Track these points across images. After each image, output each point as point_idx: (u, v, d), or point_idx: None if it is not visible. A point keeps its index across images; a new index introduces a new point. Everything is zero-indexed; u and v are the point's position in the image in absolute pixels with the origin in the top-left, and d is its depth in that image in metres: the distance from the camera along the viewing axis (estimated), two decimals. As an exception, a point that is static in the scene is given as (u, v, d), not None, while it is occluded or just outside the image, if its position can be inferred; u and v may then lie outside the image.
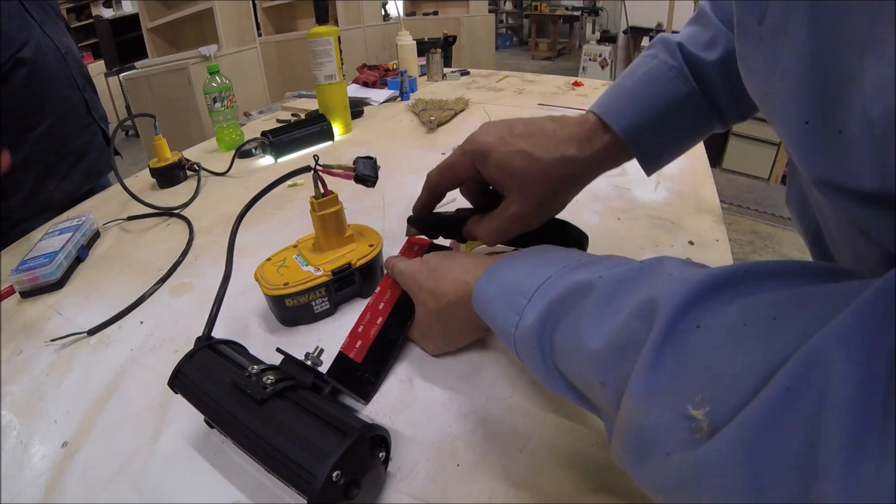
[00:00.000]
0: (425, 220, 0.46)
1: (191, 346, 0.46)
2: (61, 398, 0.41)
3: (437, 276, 0.38)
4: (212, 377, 0.35)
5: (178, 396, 0.40)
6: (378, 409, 0.38)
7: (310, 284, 0.45)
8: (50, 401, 0.41)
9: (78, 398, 0.41)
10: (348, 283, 0.48)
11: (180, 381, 0.35)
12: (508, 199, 0.38)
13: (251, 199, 0.47)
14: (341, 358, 0.41)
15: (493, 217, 0.40)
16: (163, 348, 0.46)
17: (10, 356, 0.47)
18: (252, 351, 0.40)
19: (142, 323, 0.50)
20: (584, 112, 0.39)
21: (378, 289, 0.44)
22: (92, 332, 0.49)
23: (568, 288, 0.27)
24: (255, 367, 0.34)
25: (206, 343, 0.38)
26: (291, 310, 0.46)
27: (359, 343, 0.42)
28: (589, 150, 0.37)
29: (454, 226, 0.44)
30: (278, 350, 0.38)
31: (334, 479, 0.26)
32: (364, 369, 0.40)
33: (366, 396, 0.39)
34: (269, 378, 0.33)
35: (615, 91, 0.39)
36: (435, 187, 0.43)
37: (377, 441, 0.31)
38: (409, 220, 0.46)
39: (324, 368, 0.39)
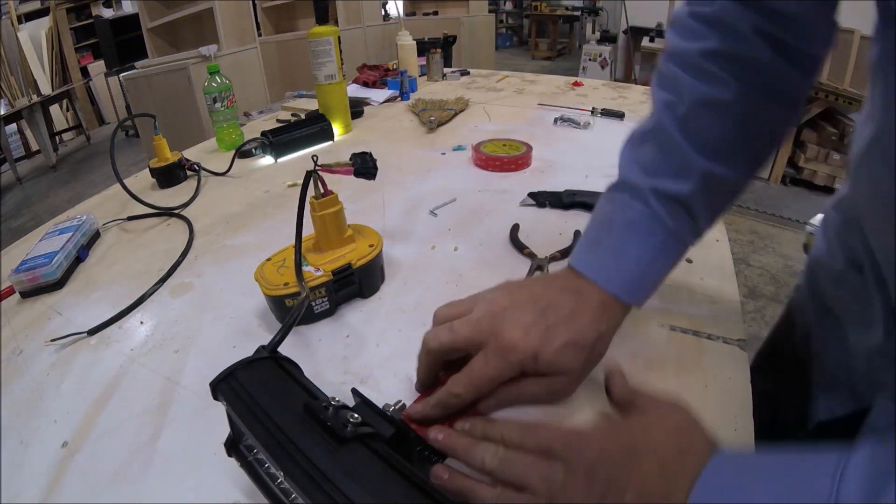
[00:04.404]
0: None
1: (192, 347, 0.46)
2: (61, 398, 0.41)
3: (612, 488, 0.25)
4: (274, 395, 0.29)
5: (179, 396, 0.41)
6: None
7: (310, 285, 0.45)
8: (50, 401, 0.41)
9: (78, 398, 0.41)
10: (348, 283, 0.48)
11: (229, 386, 0.29)
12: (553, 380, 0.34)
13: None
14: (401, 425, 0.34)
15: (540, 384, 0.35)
16: (163, 348, 0.46)
17: (10, 356, 0.47)
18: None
19: (142, 323, 0.50)
20: (570, 269, 0.38)
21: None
22: (92, 332, 0.49)
23: None
24: (336, 398, 0.28)
25: (272, 354, 0.32)
26: (291, 310, 0.46)
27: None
28: (611, 321, 0.36)
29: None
30: (354, 391, 0.32)
31: None
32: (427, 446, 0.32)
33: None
34: (353, 417, 0.27)
35: (603, 250, 0.37)
36: (439, 359, 0.36)
37: None
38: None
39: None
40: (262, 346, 0.33)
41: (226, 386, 0.29)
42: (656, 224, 0.36)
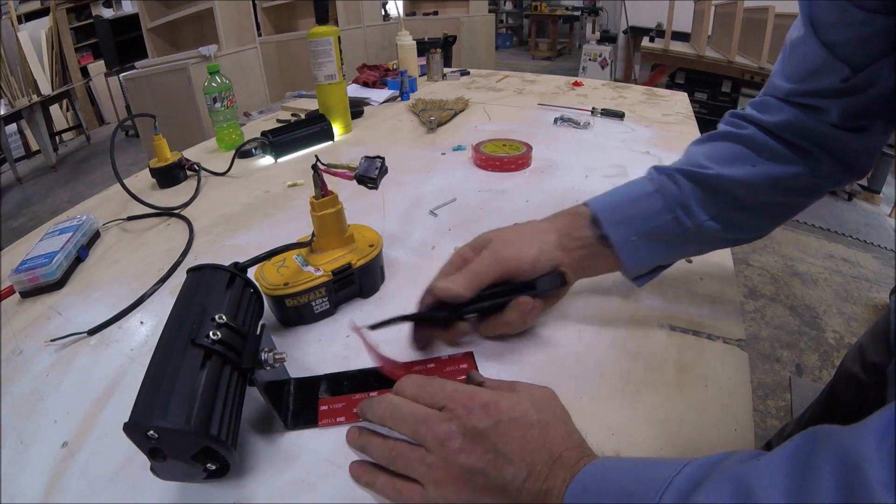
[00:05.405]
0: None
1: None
2: (61, 398, 0.41)
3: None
4: (200, 293, 0.36)
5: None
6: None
7: (310, 285, 0.45)
8: (50, 401, 0.41)
9: (78, 398, 0.41)
10: (348, 283, 0.48)
11: (195, 275, 0.38)
12: None
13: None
14: (314, 382, 0.40)
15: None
16: (163, 348, 0.46)
17: (10, 356, 0.47)
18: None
19: (142, 323, 0.50)
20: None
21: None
22: (92, 332, 0.49)
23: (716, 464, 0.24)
24: (223, 318, 0.33)
25: (233, 269, 0.39)
26: (291, 310, 0.46)
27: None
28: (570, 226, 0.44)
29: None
30: (262, 325, 0.38)
31: (148, 434, 0.28)
32: (314, 409, 0.38)
33: (288, 425, 0.36)
34: (220, 335, 0.32)
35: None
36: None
37: (210, 452, 0.30)
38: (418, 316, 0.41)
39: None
40: (236, 262, 0.40)
41: (194, 273, 0.38)
42: (647, 181, 0.44)
